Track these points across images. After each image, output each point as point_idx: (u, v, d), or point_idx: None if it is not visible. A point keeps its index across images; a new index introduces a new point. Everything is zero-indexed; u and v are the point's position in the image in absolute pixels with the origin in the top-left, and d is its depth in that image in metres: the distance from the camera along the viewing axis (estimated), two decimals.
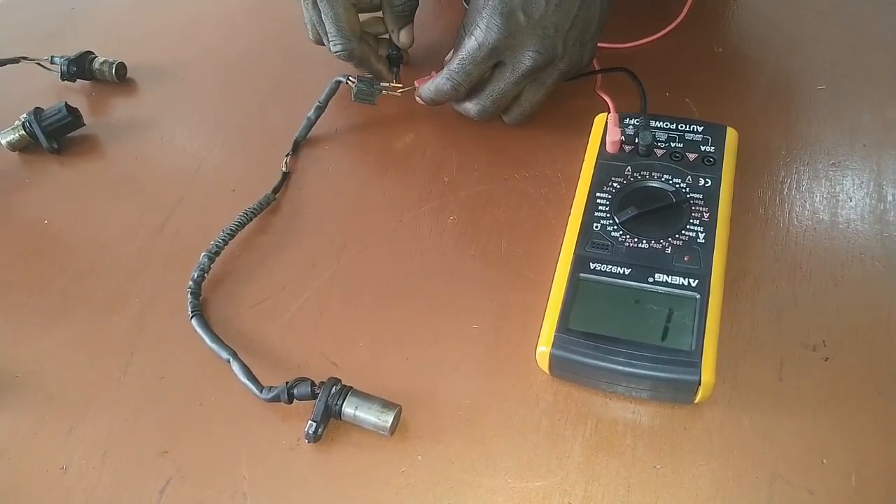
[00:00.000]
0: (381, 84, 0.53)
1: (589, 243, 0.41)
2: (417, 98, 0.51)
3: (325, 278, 0.46)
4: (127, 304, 0.47)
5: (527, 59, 0.46)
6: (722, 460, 0.37)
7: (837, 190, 0.46)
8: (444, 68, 0.48)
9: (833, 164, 0.47)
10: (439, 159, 0.51)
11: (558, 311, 0.39)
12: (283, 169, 0.52)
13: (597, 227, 0.42)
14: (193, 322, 0.44)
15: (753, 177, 0.47)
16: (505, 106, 0.49)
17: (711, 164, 0.44)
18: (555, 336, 0.38)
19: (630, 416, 0.39)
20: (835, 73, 0.52)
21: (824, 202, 0.45)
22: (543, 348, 0.38)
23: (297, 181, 0.52)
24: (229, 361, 0.42)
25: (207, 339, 0.43)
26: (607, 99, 0.48)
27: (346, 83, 0.53)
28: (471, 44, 0.46)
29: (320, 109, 0.54)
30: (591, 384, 0.40)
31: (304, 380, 0.40)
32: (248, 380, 0.41)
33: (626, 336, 0.38)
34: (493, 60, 0.46)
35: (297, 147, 0.53)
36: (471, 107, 0.49)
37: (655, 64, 0.54)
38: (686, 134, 0.45)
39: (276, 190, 0.51)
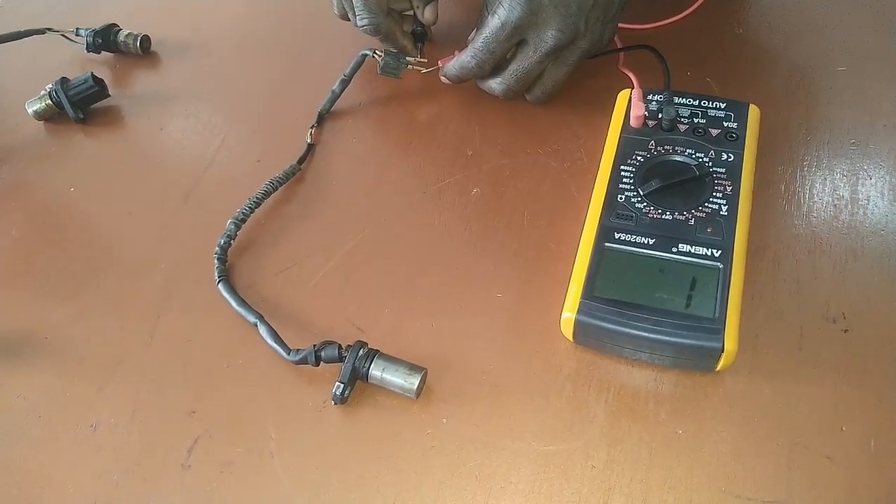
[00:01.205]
0: (408, 58, 0.53)
1: (613, 214, 0.42)
2: (442, 77, 0.52)
3: (350, 247, 0.47)
4: (153, 270, 0.47)
5: (549, 38, 0.46)
6: (742, 427, 0.37)
7: (857, 167, 0.46)
8: (469, 46, 0.48)
9: (853, 143, 0.48)
10: (462, 133, 0.52)
11: (583, 278, 0.40)
12: (308, 140, 0.52)
13: (621, 198, 0.43)
14: (220, 287, 0.45)
15: (774, 154, 0.47)
16: (528, 84, 0.50)
17: (734, 140, 0.44)
18: (580, 302, 0.39)
19: (652, 383, 0.39)
20: (855, 55, 0.53)
21: (844, 179, 0.46)
22: (568, 314, 0.39)
23: (321, 153, 0.52)
24: (256, 325, 0.43)
25: (234, 303, 0.44)
26: (631, 75, 0.49)
27: (373, 57, 0.53)
28: (494, 22, 0.46)
29: (345, 82, 0.54)
30: (614, 351, 0.40)
31: (331, 343, 0.41)
32: (275, 342, 0.42)
33: (650, 303, 0.38)
34: (516, 38, 0.47)
35: (321, 119, 0.54)
36: (495, 85, 0.50)
37: (677, 44, 0.54)
38: (709, 110, 0.46)
39: (301, 160, 0.51)
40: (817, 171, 0.47)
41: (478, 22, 0.49)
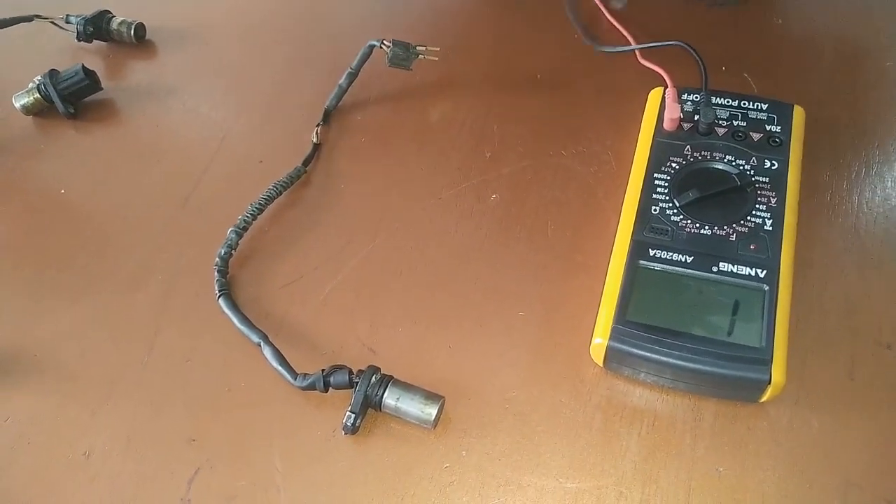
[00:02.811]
0: (418, 47, 0.49)
1: (647, 228, 0.39)
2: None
3: (361, 258, 0.44)
4: (150, 281, 0.44)
5: None
6: (790, 464, 0.34)
7: None
8: None
9: None
10: (480, 132, 0.48)
11: (615, 300, 0.36)
12: (314, 140, 0.49)
13: (655, 210, 0.39)
14: (221, 302, 0.42)
15: (819, 159, 0.44)
16: None
17: (778, 146, 0.41)
18: (612, 327, 0.36)
19: (690, 414, 0.36)
20: None
21: (895, 188, 0.43)
22: (599, 340, 0.36)
23: (328, 153, 0.49)
24: (260, 345, 0.40)
25: (236, 321, 0.41)
26: (662, 73, 0.45)
27: (381, 47, 0.49)
28: None
29: (352, 76, 0.51)
30: (648, 379, 0.37)
31: (341, 367, 0.38)
32: (281, 366, 0.39)
33: (689, 329, 0.35)
34: None
35: (327, 116, 0.50)
36: None
37: (709, 36, 0.50)
38: (749, 112, 0.42)
39: (306, 162, 0.48)
40: (867, 178, 0.43)
41: None
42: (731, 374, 0.34)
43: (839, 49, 0.50)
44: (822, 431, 0.35)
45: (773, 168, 0.40)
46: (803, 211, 0.41)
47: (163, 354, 0.41)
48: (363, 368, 0.38)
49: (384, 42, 0.49)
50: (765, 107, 0.42)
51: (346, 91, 0.50)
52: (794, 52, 0.50)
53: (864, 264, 0.40)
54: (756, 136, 0.41)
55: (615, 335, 0.35)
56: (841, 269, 0.40)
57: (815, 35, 0.51)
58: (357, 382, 0.37)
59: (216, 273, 0.43)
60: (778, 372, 0.34)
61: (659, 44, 0.47)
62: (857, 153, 0.44)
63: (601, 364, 0.37)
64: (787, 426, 0.35)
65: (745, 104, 0.43)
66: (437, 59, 0.49)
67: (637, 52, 0.48)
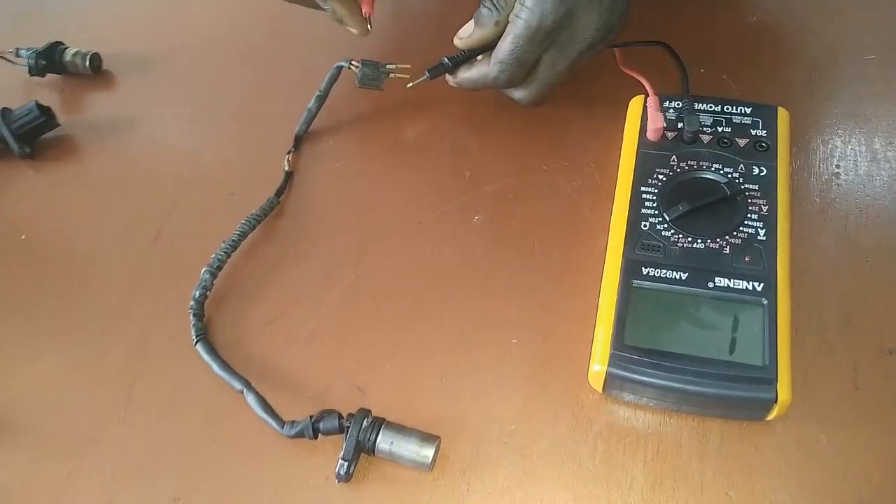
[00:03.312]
0: (388, 66, 0.48)
1: (639, 245, 0.37)
2: (453, 84, 0.45)
3: (343, 290, 0.42)
4: (123, 327, 0.42)
5: (586, 39, 0.41)
6: (800, 484, 0.33)
7: None
8: (492, 56, 0.42)
9: (891, 143, 0.43)
10: (458, 150, 0.47)
11: (612, 324, 0.35)
12: (286, 168, 0.47)
13: (645, 225, 0.38)
14: (198, 348, 0.40)
15: (804, 161, 0.43)
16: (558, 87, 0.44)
17: (765, 150, 0.40)
18: (611, 353, 0.34)
19: (695, 436, 0.35)
20: (883, 39, 0.48)
21: (885, 186, 0.42)
22: (598, 367, 0.35)
23: (301, 181, 0.47)
24: (243, 392, 0.38)
25: (216, 368, 0.39)
26: (642, 79, 0.44)
27: (349, 68, 0.48)
28: (522, 26, 0.40)
29: (322, 99, 0.49)
30: (650, 403, 0.36)
31: (330, 412, 0.36)
32: (267, 414, 0.37)
33: (690, 351, 0.34)
34: (548, 43, 0.41)
35: (298, 142, 0.48)
36: (522, 95, 0.44)
37: (683, 36, 0.49)
38: (733, 117, 0.41)
39: (279, 192, 0.46)
40: (854, 177, 0.42)
41: (476, 18, 0.42)
42: (736, 396, 0.33)
43: (817, 45, 0.49)
44: (831, 447, 0.34)
45: (762, 175, 0.39)
46: (793, 216, 0.40)
47: (141, 407, 0.39)
48: (353, 412, 0.36)
49: (353, 62, 0.47)
50: (748, 110, 0.41)
51: (315, 115, 0.49)
52: (772, 50, 0.49)
53: (859, 268, 0.39)
54: (742, 142, 0.40)
55: (614, 361, 0.34)
56: (836, 274, 0.39)
57: (792, 32, 0.50)
58: (348, 427, 0.36)
59: (192, 317, 0.41)
60: (784, 390, 0.33)
61: (638, 43, 0.45)
62: (844, 153, 0.43)
63: (600, 390, 0.36)
64: (795, 444, 0.34)
65: (728, 109, 0.42)
66: (408, 76, 0.47)
67: (618, 59, 0.46)
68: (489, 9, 0.41)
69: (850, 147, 0.43)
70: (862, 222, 0.40)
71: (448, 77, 0.46)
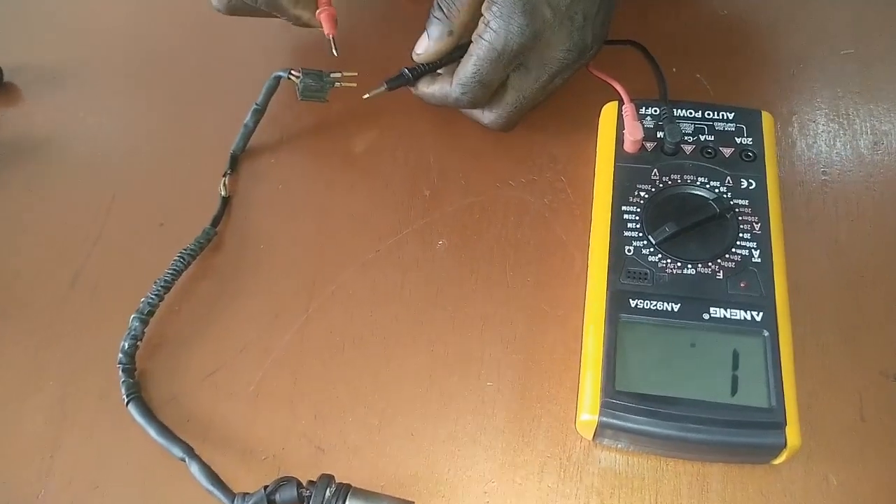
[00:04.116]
0: (332, 74, 0.43)
1: (624, 273, 0.34)
2: (417, 95, 0.42)
3: (293, 333, 0.37)
4: (41, 387, 0.36)
5: (555, 60, 0.38)
6: None
7: (892, 177, 0.39)
8: (454, 76, 0.38)
9: (878, 145, 0.41)
10: (415, 166, 0.42)
11: (600, 365, 0.31)
12: (222, 193, 0.42)
13: (629, 250, 0.34)
14: (131, 408, 0.35)
15: (789, 168, 0.40)
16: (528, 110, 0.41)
17: (751, 160, 0.37)
18: (602, 401, 0.31)
19: (695, 484, 0.32)
20: (858, 32, 0.45)
21: (876, 193, 0.39)
22: (588, 416, 0.31)
23: (240, 207, 0.42)
24: (185, 460, 0.33)
25: (153, 433, 0.34)
26: (615, 84, 0.40)
27: (289, 78, 0.42)
28: (485, 48, 0.36)
29: (259, 113, 0.43)
30: (644, 450, 0.33)
31: (287, 480, 0.32)
32: (214, 486, 0.32)
33: (688, 394, 0.31)
34: (514, 64, 0.38)
35: (235, 163, 0.43)
36: (491, 119, 0.40)
37: (650, 33, 0.45)
38: (716, 124, 0.38)
39: (215, 221, 0.41)
40: (842, 185, 0.40)
41: (428, 30, 0.39)
42: (742, 442, 0.30)
43: (791, 39, 0.46)
44: (840, 487, 0.31)
45: (752, 188, 0.36)
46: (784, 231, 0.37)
47: (63, 482, 0.34)
48: (314, 479, 0.32)
49: (292, 72, 0.42)
50: (731, 116, 0.38)
51: (253, 131, 0.43)
52: (746, 46, 0.46)
53: (855, 284, 0.36)
54: (727, 152, 0.37)
55: (605, 410, 0.31)
56: (830, 290, 0.36)
57: (764, 26, 0.47)
58: (309, 497, 0.31)
59: (121, 372, 0.36)
60: (793, 434, 0.30)
61: (608, 42, 0.42)
62: (830, 158, 0.40)
63: (590, 438, 0.32)
64: (802, 486, 0.32)
65: (709, 115, 0.38)
66: (355, 85, 0.42)
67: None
68: (438, 19, 0.38)
69: (835, 152, 0.41)
70: (854, 233, 0.38)
71: (412, 89, 0.41)
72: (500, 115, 0.40)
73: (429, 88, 0.40)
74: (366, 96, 0.40)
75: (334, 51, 0.42)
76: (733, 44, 0.46)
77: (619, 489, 0.32)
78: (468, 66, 0.37)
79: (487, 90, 0.38)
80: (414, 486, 0.33)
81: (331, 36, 0.42)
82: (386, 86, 0.40)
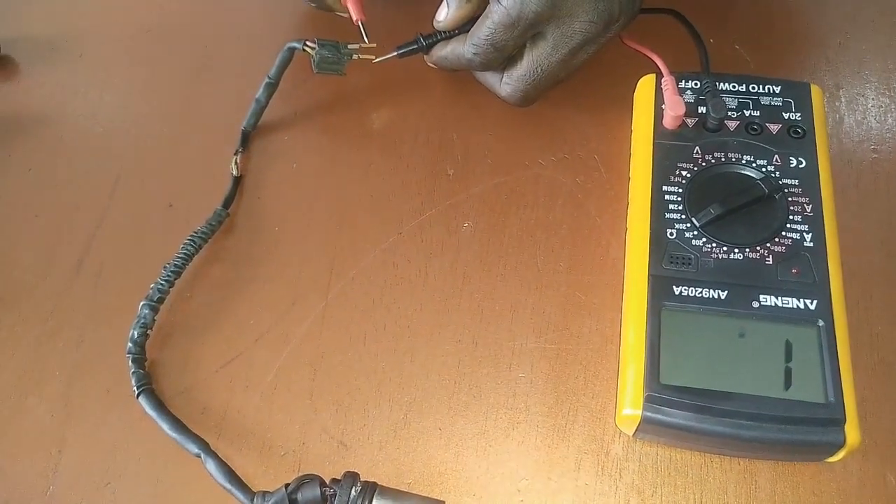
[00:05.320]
0: (350, 46, 0.40)
1: (666, 258, 0.32)
2: (430, 63, 0.40)
3: (311, 321, 0.35)
4: (46, 380, 0.35)
5: (579, 33, 0.35)
6: None
7: None
8: (469, 35, 0.36)
9: None
10: (438, 144, 0.40)
11: (643, 357, 0.29)
12: (234, 172, 0.39)
13: (671, 233, 0.32)
14: (141, 401, 0.33)
15: (837, 146, 0.38)
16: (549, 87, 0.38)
17: (800, 137, 0.34)
18: (645, 395, 0.29)
19: (742, 482, 0.30)
20: None
21: None
22: (630, 411, 0.29)
23: (253, 187, 0.40)
24: (200, 457, 0.31)
25: (166, 427, 0.32)
26: (653, 56, 0.37)
27: (303, 50, 0.40)
28: (499, 15, 0.34)
29: (272, 87, 0.41)
30: (688, 447, 0.31)
31: (309, 478, 0.30)
32: (231, 484, 0.30)
33: (738, 388, 0.29)
34: (531, 33, 0.35)
35: (247, 140, 0.41)
36: (508, 91, 0.38)
37: (685, 1, 0.43)
38: (761, 97, 0.36)
39: (227, 202, 0.38)
40: (895, 164, 0.37)
41: None
42: (797, 440, 0.28)
43: (838, 6, 0.43)
44: None
45: (802, 167, 0.33)
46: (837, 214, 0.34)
47: (71, 479, 0.32)
48: (338, 477, 0.30)
49: (307, 43, 0.39)
50: (777, 89, 0.36)
51: (265, 106, 0.41)
52: (787, 14, 0.43)
53: None
54: (774, 128, 0.35)
55: (650, 405, 0.29)
56: (883, 277, 0.34)
57: None
58: (333, 496, 0.29)
59: (131, 363, 0.34)
60: (852, 431, 0.28)
61: (645, 11, 0.39)
62: (882, 135, 0.38)
63: (630, 434, 0.30)
64: (858, 486, 0.30)
65: (754, 88, 0.36)
66: (374, 57, 0.40)
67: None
68: None
69: (886, 128, 0.38)
70: None
71: (425, 56, 0.39)
72: (517, 87, 0.37)
73: (442, 51, 0.38)
74: (376, 60, 0.39)
75: (365, 38, 0.39)
76: (773, 11, 0.43)
77: (660, 487, 0.30)
78: (483, 28, 0.35)
79: (500, 54, 0.36)
80: (443, 483, 0.31)
81: (359, 22, 0.39)
82: (397, 52, 0.38)
